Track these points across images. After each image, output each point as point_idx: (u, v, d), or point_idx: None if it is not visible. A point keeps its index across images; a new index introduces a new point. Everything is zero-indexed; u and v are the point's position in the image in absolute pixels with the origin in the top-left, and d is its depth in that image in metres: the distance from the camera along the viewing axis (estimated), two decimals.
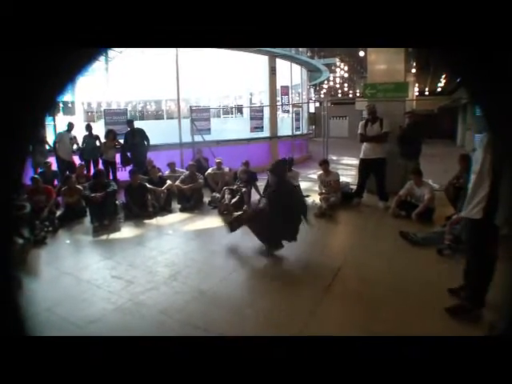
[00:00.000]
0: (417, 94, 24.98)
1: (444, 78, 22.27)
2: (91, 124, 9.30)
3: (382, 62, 8.44)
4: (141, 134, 8.99)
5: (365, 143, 7.40)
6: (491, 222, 3.05)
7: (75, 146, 8.87)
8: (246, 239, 5.08)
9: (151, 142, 9.13)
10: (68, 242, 5.93)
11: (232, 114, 14.90)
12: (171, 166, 8.58)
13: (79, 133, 9.06)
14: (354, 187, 7.88)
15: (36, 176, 6.77)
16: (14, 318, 1.23)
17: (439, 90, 25.10)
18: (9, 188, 1.19)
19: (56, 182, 7.80)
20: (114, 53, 11.22)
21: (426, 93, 26.95)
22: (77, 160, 8.74)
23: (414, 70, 18.81)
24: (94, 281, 4.23)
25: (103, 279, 4.27)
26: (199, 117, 11.18)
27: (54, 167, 8.28)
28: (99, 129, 9.66)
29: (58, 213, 6.55)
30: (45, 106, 1.26)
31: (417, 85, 23.87)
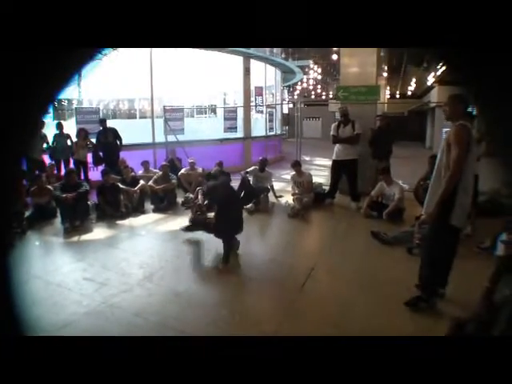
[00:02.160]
0: (388, 97, 25.47)
1: (414, 82, 22.81)
2: (62, 122, 9.08)
3: (355, 65, 8.59)
4: (113, 133, 8.86)
5: (337, 145, 7.52)
6: (446, 219, 3.21)
7: (45, 145, 8.64)
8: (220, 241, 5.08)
9: (124, 142, 9.00)
10: (37, 243, 5.80)
11: (206, 114, 14.84)
12: (145, 165, 8.48)
13: (49, 131, 8.85)
14: (327, 188, 7.98)
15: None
16: (9, 317, 1.22)
17: (409, 93, 25.68)
18: (6, 188, 1.18)
19: (25, 182, 7.60)
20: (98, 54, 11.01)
21: (397, 96, 27.53)
22: (47, 159, 8.52)
23: (385, 74, 19.19)
24: (65, 284, 4.14)
25: (75, 282, 4.18)
26: (173, 116, 11.08)
27: (22, 166, 8.06)
28: (70, 127, 9.44)
29: (27, 214, 6.38)
30: (43, 105, 1.25)
31: (388, 88, 24.35)
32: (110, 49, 10.58)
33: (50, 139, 8.65)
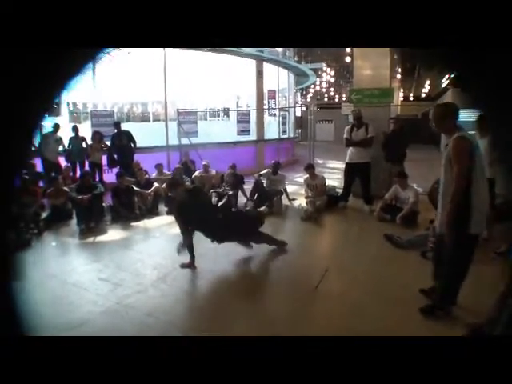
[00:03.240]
0: (401, 99, 25.29)
1: (428, 84, 22.62)
2: (77, 125, 9.22)
3: (368, 68, 8.56)
4: (127, 136, 8.96)
5: (351, 148, 7.50)
6: (465, 229, 3.12)
7: (61, 148, 8.79)
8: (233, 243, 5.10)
9: (138, 145, 9.10)
10: (54, 244, 5.88)
11: (219, 117, 14.89)
12: (159, 168, 8.56)
13: (65, 134, 8.99)
14: (340, 191, 7.96)
15: (25, 176, 6.71)
16: (11, 317, 1.24)
17: (423, 95, 25.47)
18: (9, 188, 1.20)
19: (41, 184, 7.73)
20: (101, 53, 11.11)
21: (411, 98, 27.31)
22: (62, 162, 8.66)
23: (399, 76, 19.07)
24: (81, 283, 4.21)
25: (90, 282, 4.25)
26: (186, 119, 11.17)
27: (39, 168, 8.20)
28: (85, 130, 9.57)
29: (44, 215, 6.49)
30: (44, 105, 1.27)
31: (402, 90, 24.19)
32: (112, 49, 10.73)
33: (66, 142, 8.80)
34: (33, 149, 8.56)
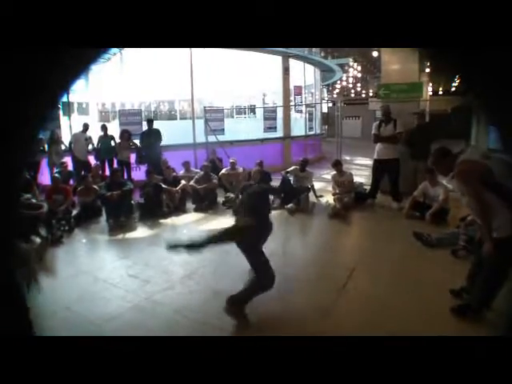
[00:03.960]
0: (431, 93, 24.73)
1: (458, 78, 22.04)
2: (106, 124, 9.41)
3: (396, 62, 8.40)
4: (156, 134, 9.07)
5: (379, 144, 7.38)
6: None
7: (90, 147, 9.01)
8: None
9: (165, 143, 9.21)
10: (84, 241, 6.02)
11: (245, 114, 14.92)
12: (186, 165, 8.63)
13: (94, 133, 9.19)
14: (368, 187, 7.85)
15: (56, 175, 6.89)
16: (20, 318, 1.26)
17: (453, 89, 24.85)
18: (11, 188, 1.21)
19: (71, 182, 7.93)
20: (127, 52, 11.29)
21: (440, 92, 26.69)
22: (92, 160, 8.86)
23: (427, 70, 18.63)
24: (111, 280, 4.29)
25: (120, 278, 4.33)
26: (213, 117, 11.22)
27: (70, 167, 8.41)
28: (114, 129, 9.75)
29: (74, 212, 6.65)
30: (49, 104, 1.28)
31: (430, 84, 23.64)
32: (117, 50, 10.86)
33: (95, 141, 9.00)
34: (64, 148, 8.81)
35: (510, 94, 1.07)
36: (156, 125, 9.39)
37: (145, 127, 9.47)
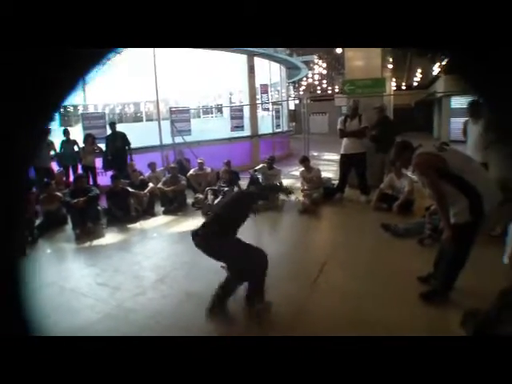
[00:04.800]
0: (394, 88, 25.26)
1: (420, 73, 22.61)
2: (68, 129, 9.13)
3: (359, 59, 8.53)
4: (122, 137, 8.88)
5: (345, 139, 7.46)
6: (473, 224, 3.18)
7: (52, 152, 8.69)
8: None
9: (131, 145, 9.03)
10: (49, 251, 5.83)
11: (212, 113, 14.85)
12: (152, 166, 8.52)
13: (56, 138, 8.89)
14: (336, 182, 7.94)
15: None
16: (16, 317, 1.22)
17: (416, 84, 25.44)
18: (13, 192, 1.17)
19: (34, 190, 7.66)
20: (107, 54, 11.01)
21: (403, 87, 27.27)
22: (55, 167, 8.57)
23: (390, 66, 19.01)
24: (79, 289, 4.17)
25: (88, 287, 4.21)
26: (179, 118, 11.10)
27: (30, 174, 8.12)
28: (77, 133, 9.49)
29: (37, 222, 6.42)
30: (49, 112, 1.24)
31: (394, 80, 24.14)
32: (116, 53, 10.69)
33: (57, 146, 8.70)
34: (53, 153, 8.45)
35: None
36: (122, 127, 9.20)
37: (109, 131, 9.25)
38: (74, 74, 1.20)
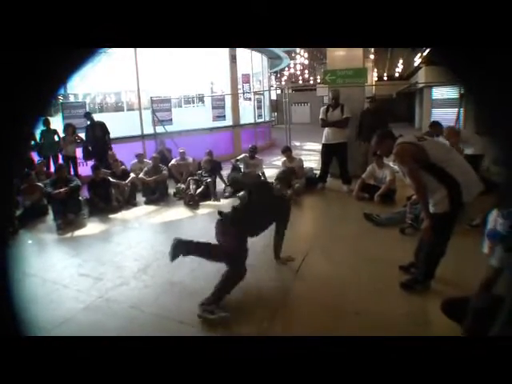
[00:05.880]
0: (376, 79, 25.42)
1: (401, 64, 22.78)
2: (48, 118, 8.96)
3: (341, 49, 8.55)
4: (102, 127, 8.76)
5: (326, 128, 7.51)
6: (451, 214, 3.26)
7: (32, 142, 8.53)
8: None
9: (112, 135, 8.93)
10: (30, 242, 5.76)
11: (193, 103, 14.71)
12: (140, 157, 8.48)
13: (36, 128, 8.73)
14: (318, 172, 8.00)
15: None
16: (9, 317, 1.22)
17: (397, 74, 25.65)
18: (7, 187, 1.17)
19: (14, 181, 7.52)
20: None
21: (385, 78, 27.47)
22: (35, 157, 8.43)
23: (372, 56, 19.11)
24: (61, 280, 4.14)
25: (70, 278, 4.18)
26: (160, 107, 11.02)
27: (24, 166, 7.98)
28: (57, 123, 9.33)
29: (18, 212, 6.33)
30: (42, 105, 1.24)
31: (375, 70, 24.28)
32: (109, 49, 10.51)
33: (37, 136, 8.55)
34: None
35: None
36: (103, 117, 9.06)
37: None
38: (66, 69, 1.20)
